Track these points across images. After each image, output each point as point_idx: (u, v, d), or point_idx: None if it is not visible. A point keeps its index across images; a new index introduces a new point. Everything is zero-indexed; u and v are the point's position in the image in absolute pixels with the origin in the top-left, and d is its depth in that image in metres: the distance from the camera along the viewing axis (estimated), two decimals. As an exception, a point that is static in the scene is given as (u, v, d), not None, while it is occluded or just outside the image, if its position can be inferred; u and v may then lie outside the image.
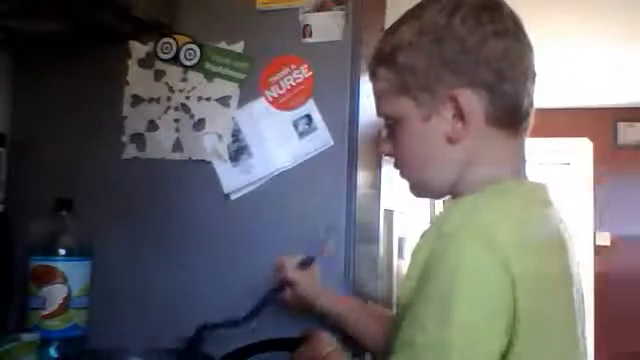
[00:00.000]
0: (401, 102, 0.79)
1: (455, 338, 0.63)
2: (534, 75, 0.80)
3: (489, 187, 0.77)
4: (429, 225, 0.80)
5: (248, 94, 1.15)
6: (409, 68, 0.78)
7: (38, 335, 1.05)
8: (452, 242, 0.68)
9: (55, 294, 1.09)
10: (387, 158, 0.88)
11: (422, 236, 0.77)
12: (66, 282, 1.10)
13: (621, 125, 4.74)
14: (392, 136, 0.84)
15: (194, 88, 1.18)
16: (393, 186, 1.24)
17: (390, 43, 0.80)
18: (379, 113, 0.85)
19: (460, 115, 0.76)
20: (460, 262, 0.66)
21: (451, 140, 0.77)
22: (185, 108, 1.18)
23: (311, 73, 1.12)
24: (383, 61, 0.81)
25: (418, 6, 0.81)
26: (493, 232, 0.68)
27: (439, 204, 1.59)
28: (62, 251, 1.11)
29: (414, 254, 0.75)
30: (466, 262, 0.66)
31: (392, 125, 0.83)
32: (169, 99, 1.19)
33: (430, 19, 0.77)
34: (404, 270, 1.17)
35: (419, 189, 0.87)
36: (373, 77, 0.84)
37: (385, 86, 0.82)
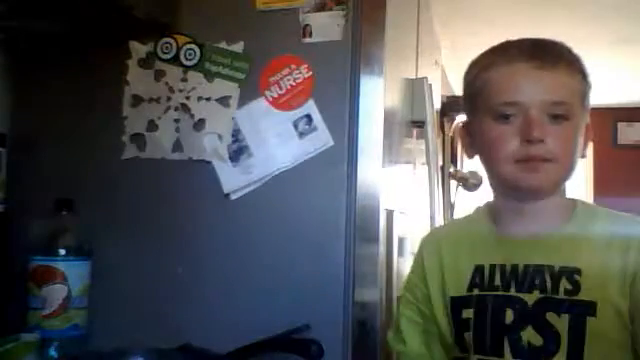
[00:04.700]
0: (578, 107, 0.94)
1: None
2: None
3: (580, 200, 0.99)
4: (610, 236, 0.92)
5: (248, 94, 1.15)
6: (588, 91, 0.97)
7: (38, 335, 1.05)
8: None
9: (55, 294, 1.09)
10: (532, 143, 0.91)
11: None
12: (66, 282, 1.10)
13: (621, 125, 4.75)
14: (549, 126, 0.90)
15: (194, 88, 1.18)
16: (393, 186, 1.24)
17: (581, 62, 0.96)
18: (559, 102, 0.91)
19: (589, 138, 0.98)
20: None
21: (582, 153, 0.96)
22: (185, 108, 1.18)
23: (311, 73, 1.12)
24: (583, 72, 0.95)
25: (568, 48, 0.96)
26: None
27: (440, 206, 1.59)
28: (62, 251, 1.10)
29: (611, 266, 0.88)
30: None
31: (559, 117, 0.91)
32: (169, 99, 1.19)
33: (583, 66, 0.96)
34: (405, 270, 1.17)
35: (550, 182, 0.93)
36: (579, 74, 0.95)
37: (580, 89, 0.94)
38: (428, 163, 1.50)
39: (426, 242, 1.07)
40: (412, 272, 1.06)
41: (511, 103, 0.90)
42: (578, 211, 0.96)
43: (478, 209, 1.05)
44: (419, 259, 1.04)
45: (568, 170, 0.93)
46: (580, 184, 4.80)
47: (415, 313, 1.02)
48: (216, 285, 1.13)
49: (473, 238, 1.00)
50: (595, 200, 4.73)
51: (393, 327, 1.05)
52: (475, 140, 0.98)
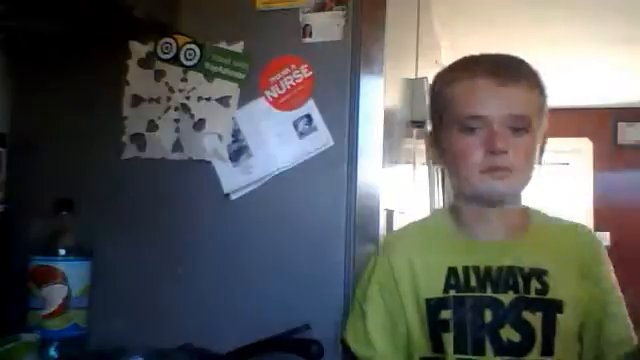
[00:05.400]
0: (536, 119, 0.99)
1: None
2: None
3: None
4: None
5: (248, 94, 1.15)
6: (545, 102, 1.03)
7: (38, 335, 1.05)
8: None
9: (55, 294, 1.09)
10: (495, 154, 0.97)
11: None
12: (66, 282, 1.10)
13: (621, 125, 4.74)
14: (511, 138, 0.97)
15: (194, 88, 1.18)
16: (393, 186, 1.24)
17: (539, 77, 1.02)
18: (520, 115, 0.97)
19: (543, 147, 1.03)
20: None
21: (539, 160, 1.02)
22: (185, 108, 1.18)
23: (311, 73, 1.12)
24: (541, 85, 1.01)
25: (527, 64, 1.02)
26: None
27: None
28: (62, 251, 1.10)
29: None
30: None
31: (520, 130, 0.97)
32: (169, 99, 1.19)
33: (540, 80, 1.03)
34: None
35: (513, 190, 1.01)
36: (537, 88, 1.01)
37: (538, 102, 1.01)
38: (428, 163, 1.51)
39: (391, 245, 1.08)
40: (375, 275, 1.04)
41: (476, 117, 0.97)
42: (533, 216, 1.06)
43: (440, 212, 1.12)
44: (385, 262, 1.04)
45: (528, 178, 1.01)
46: (580, 184, 4.80)
47: (384, 317, 1.02)
48: (216, 285, 1.13)
49: (441, 241, 1.05)
50: (595, 200, 4.73)
51: (354, 333, 1.04)
52: (442, 150, 1.04)
